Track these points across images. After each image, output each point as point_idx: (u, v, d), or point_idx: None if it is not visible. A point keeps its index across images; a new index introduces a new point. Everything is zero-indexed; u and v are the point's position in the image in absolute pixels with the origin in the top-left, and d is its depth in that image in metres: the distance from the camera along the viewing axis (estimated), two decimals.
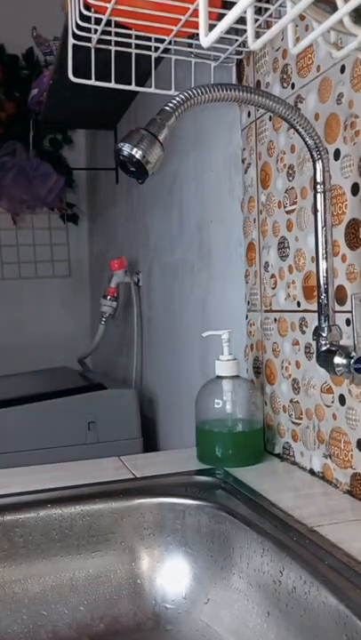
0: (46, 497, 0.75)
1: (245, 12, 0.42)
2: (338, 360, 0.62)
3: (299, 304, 0.84)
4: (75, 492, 0.77)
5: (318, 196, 0.64)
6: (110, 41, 0.89)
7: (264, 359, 0.95)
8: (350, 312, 0.65)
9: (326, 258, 0.64)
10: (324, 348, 0.65)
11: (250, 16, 0.44)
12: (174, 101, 0.57)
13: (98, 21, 0.85)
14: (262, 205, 0.94)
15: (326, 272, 0.65)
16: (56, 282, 2.53)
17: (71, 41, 0.88)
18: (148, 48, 0.92)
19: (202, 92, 0.57)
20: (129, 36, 0.90)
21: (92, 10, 0.83)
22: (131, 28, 0.88)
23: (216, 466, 0.84)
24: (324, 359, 0.64)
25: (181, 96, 0.57)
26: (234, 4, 0.43)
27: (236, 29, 0.88)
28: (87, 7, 0.82)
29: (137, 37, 0.90)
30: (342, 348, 0.63)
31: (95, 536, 0.73)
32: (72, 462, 0.89)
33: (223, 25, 0.42)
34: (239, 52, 0.96)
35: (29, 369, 2.05)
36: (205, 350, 1.22)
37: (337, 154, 0.73)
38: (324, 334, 0.65)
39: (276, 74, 0.88)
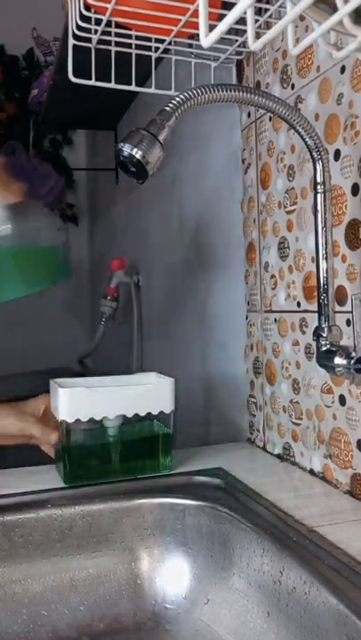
0: (46, 497, 0.75)
1: (246, 13, 0.42)
2: (338, 360, 0.62)
3: (299, 304, 0.84)
4: (74, 492, 0.77)
5: (318, 196, 0.64)
6: (110, 41, 0.89)
7: (264, 359, 0.95)
8: (350, 312, 0.65)
9: (326, 258, 0.64)
10: (324, 349, 0.65)
11: (250, 17, 0.44)
12: (174, 102, 0.57)
13: (98, 22, 0.85)
14: (262, 206, 0.94)
15: (326, 272, 0.65)
16: None
17: (71, 41, 0.88)
18: (149, 48, 0.92)
19: (202, 93, 0.57)
20: (129, 37, 0.90)
21: (93, 10, 0.83)
22: (131, 29, 0.88)
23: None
24: (325, 359, 0.64)
25: (181, 96, 0.57)
26: (234, 4, 0.43)
27: (237, 30, 0.88)
28: (87, 8, 0.82)
29: (137, 38, 0.90)
30: (342, 348, 0.63)
31: (95, 536, 0.73)
32: None
33: (223, 25, 0.42)
34: (239, 53, 0.96)
35: (29, 369, 2.05)
36: (205, 350, 1.22)
37: (337, 154, 0.73)
38: (324, 334, 0.65)
39: (276, 74, 0.88)
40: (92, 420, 0.79)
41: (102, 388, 0.80)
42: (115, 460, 0.81)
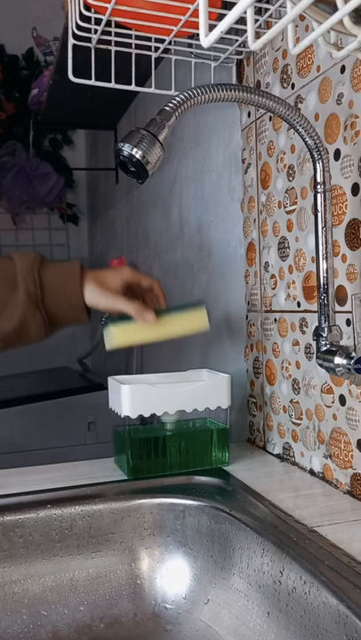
0: (46, 497, 0.75)
1: (245, 13, 0.42)
2: (338, 360, 0.62)
3: (299, 304, 0.84)
4: (75, 492, 0.77)
5: (318, 196, 0.64)
6: (110, 41, 0.89)
7: (264, 359, 0.95)
8: (350, 312, 0.65)
9: (326, 258, 0.64)
10: (324, 349, 0.65)
11: (250, 16, 0.44)
12: (174, 101, 0.57)
13: (98, 22, 0.85)
14: (262, 205, 0.94)
15: (326, 272, 0.64)
16: None
17: (71, 41, 0.88)
18: (148, 48, 0.92)
19: (202, 92, 0.57)
20: (129, 37, 0.90)
21: (93, 10, 0.83)
22: (131, 29, 0.88)
23: None
24: (325, 359, 0.64)
25: (181, 96, 0.57)
26: (234, 4, 0.43)
27: (236, 29, 0.88)
28: (87, 7, 0.82)
29: (137, 37, 0.90)
30: (342, 348, 0.63)
31: (95, 536, 0.73)
32: (72, 462, 0.89)
33: (223, 25, 0.42)
34: (239, 53, 0.96)
35: (29, 369, 2.05)
36: (205, 350, 1.22)
37: (337, 154, 0.73)
38: (324, 334, 0.65)
39: (277, 74, 0.88)
40: (152, 416, 0.82)
41: (163, 385, 0.83)
42: (173, 455, 0.84)
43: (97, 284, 0.80)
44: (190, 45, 0.95)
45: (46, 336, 0.81)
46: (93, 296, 0.80)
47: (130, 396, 0.80)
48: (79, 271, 0.81)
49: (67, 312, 0.80)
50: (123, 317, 0.81)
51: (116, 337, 0.80)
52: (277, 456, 0.91)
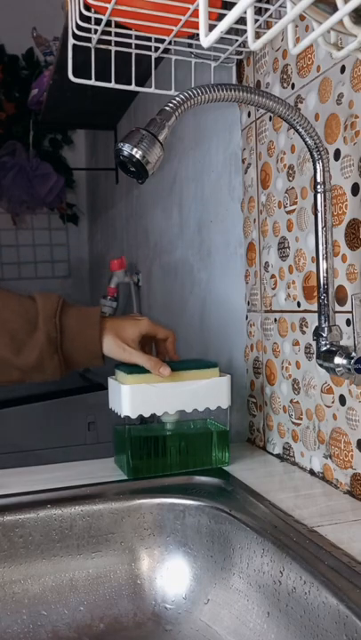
0: (46, 497, 0.75)
1: (245, 13, 0.42)
2: (338, 360, 0.62)
3: (299, 304, 0.84)
4: (75, 492, 0.77)
5: (318, 196, 0.64)
6: (110, 41, 0.89)
7: (264, 359, 0.95)
8: (350, 312, 0.65)
9: (326, 258, 0.64)
10: (324, 349, 0.65)
11: (250, 16, 0.44)
12: (174, 101, 0.57)
13: (98, 22, 0.85)
14: (262, 205, 0.94)
15: (326, 272, 0.64)
16: (56, 282, 2.54)
17: (71, 41, 0.88)
18: (148, 48, 0.92)
19: (202, 92, 0.57)
20: (129, 37, 0.90)
21: (93, 10, 0.83)
22: (131, 29, 0.88)
23: None
24: (325, 359, 0.64)
25: (181, 96, 0.57)
26: (234, 4, 0.43)
27: (237, 29, 0.88)
28: (87, 7, 0.82)
29: (137, 37, 0.90)
30: (343, 348, 0.63)
31: (95, 536, 0.73)
32: (72, 462, 0.89)
33: (223, 25, 0.42)
34: (239, 53, 0.96)
35: None
36: (205, 350, 1.22)
37: (337, 154, 0.73)
38: (324, 334, 0.65)
39: (277, 74, 0.88)
40: (152, 416, 0.82)
41: (163, 384, 0.82)
42: (173, 454, 0.84)
43: (115, 336, 0.83)
44: (190, 45, 0.95)
45: (61, 376, 0.84)
46: (111, 347, 0.83)
47: (130, 396, 0.80)
48: (99, 319, 0.84)
49: (83, 357, 0.83)
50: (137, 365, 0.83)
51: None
52: (277, 456, 0.91)
